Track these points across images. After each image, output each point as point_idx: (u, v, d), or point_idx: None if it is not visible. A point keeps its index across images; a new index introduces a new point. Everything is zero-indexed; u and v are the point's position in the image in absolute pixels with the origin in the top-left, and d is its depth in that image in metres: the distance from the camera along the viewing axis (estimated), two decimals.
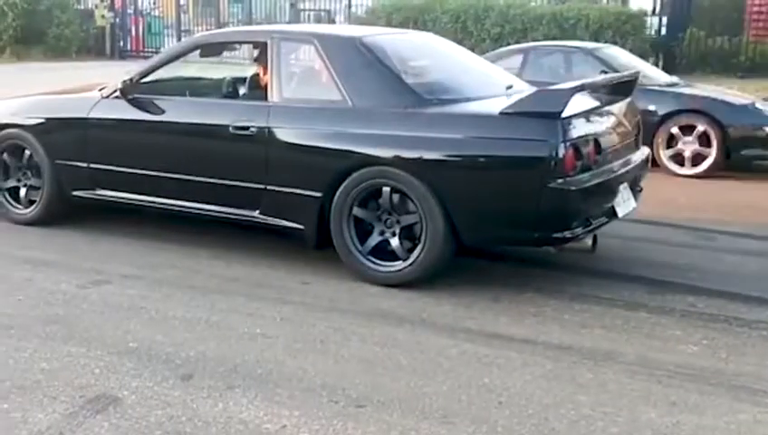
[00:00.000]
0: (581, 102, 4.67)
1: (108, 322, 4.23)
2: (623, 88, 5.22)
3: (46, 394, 3.42)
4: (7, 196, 6.08)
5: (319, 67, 5.04)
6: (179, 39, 21.50)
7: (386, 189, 4.60)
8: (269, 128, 4.89)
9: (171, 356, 3.81)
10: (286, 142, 4.87)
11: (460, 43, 15.58)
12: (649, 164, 5.54)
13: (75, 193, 5.73)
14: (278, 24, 25.75)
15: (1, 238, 5.77)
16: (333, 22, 25.65)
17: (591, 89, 4.92)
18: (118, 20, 23.28)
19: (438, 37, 6.40)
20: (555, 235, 4.43)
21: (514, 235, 4.60)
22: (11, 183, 6.07)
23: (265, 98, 5.05)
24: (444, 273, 4.81)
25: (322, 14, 26.40)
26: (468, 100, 4.81)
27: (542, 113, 4.29)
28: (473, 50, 14.88)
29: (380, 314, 4.38)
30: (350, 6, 21.23)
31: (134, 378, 3.57)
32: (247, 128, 4.94)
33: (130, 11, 23.75)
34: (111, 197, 5.59)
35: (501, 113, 4.46)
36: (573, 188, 4.29)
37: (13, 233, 5.88)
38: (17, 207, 6.05)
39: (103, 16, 22.80)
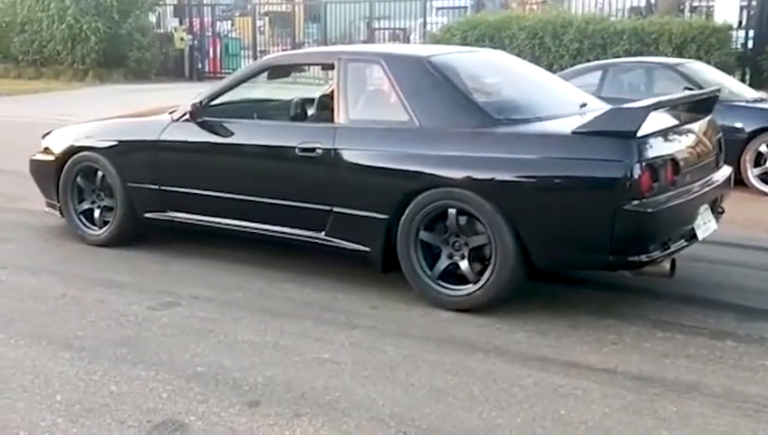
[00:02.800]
0: (659, 121, 4.55)
1: (177, 345, 4.25)
2: (704, 105, 5.07)
3: (114, 418, 3.44)
4: (82, 218, 6.23)
5: (386, 87, 5.02)
6: (256, 59, 21.91)
7: (452, 211, 4.54)
8: (335, 149, 4.89)
9: (238, 381, 3.79)
10: (352, 164, 4.86)
11: (537, 59, 15.50)
12: (732, 184, 5.36)
13: (146, 215, 5.84)
14: (353, 43, 25.98)
15: (75, 260, 5.88)
16: (408, 40, 25.74)
17: (669, 106, 4.80)
18: (196, 42, 23.84)
19: (509, 55, 6.37)
20: (631, 259, 4.29)
21: (588, 258, 4.47)
22: (85, 205, 6.20)
23: (332, 119, 5.05)
24: (517, 298, 4.70)
25: (398, 32, 26.53)
26: (540, 119, 4.71)
27: (617, 132, 4.18)
28: (551, 66, 14.76)
29: (452, 341, 4.29)
30: (425, 25, 21.24)
31: (201, 403, 3.57)
32: (313, 150, 4.96)
33: (208, 33, 24.31)
34: (181, 218, 5.68)
35: (574, 133, 4.36)
36: (650, 210, 4.17)
37: (87, 255, 5.99)
38: (91, 229, 6.18)
39: (182, 39, 23.39)
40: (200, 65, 24.00)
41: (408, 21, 22.70)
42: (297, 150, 5.02)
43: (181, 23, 24.21)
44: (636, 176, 4.10)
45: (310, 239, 5.11)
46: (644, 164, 4.14)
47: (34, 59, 22.92)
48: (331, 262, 5.41)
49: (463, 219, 4.56)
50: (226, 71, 23.25)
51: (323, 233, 5.03)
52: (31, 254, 6.04)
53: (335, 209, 4.94)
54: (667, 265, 4.44)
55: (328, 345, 4.23)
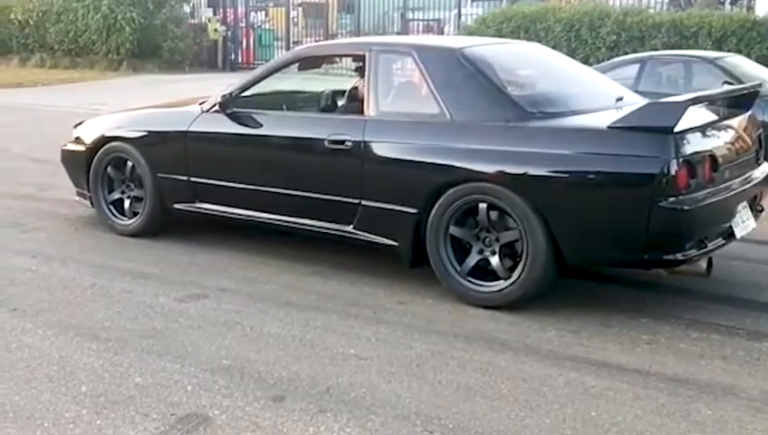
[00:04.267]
0: (697, 116, 4.46)
1: (203, 337, 4.24)
2: (743, 100, 4.97)
3: (138, 411, 3.44)
4: (111, 208, 6.25)
5: (417, 80, 4.96)
6: (288, 49, 21.92)
7: (482, 206, 4.49)
8: (365, 142, 4.85)
9: (264, 375, 3.77)
10: (382, 157, 4.82)
11: (573, 52, 15.33)
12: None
13: (176, 205, 5.86)
14: (387, 34, 25.92)
15: (104, 250, 5.90)
16: (442, 32, 25.61)
17: (708, 101, 4.74)
18: (229, 33, 23.91)
19: (544, 47, 6.31)
20: (666, 257, 4.21)
21: (622, 255, 4.37)
22: (115, 195, 6.25)
23: (362, 111, 5.02)
24: (549, 295, 4.63)
25: (432, 24, 26.40)
26: (574, 113, 4.66)
27: (654, 128, 4.10)
28: (587, 59, 14.58)
29: (481, 338, 4.23)
30: (459, 16, 21.11)
31: (225, 397, 3.55)
32: (343, 142, 4.93)
33: (242, 24, 24.36)
34: (210, 210, 5.69)
35: (609, 127, 4.28)
36: (686, 207, 4.08)
37: (116, 245, 6.01)
38: (121, 219, 6.21)
39: (216, 30, 23.47)
40: (233, 56, 24.06)
41: (443, 12, 22.55)
42: (326, 143, 4.99)
43: (215, 13, 24.29)
44: (673, 172, 4.03)
45: (338, 232, 5.08)
46: (681, 160, 4.06)
47: (70, 49, 23.13)
48: (359, 255, 5.38)
49: (494, 214, 4.49)
50: (259, 62, 23.28)
51: (351, 226, 5.00)
52: (61, 243, 6.08)
53: (364, 203, 4.90)
54: (703, 264, 4.34)
55: (354, 340, 4.19)
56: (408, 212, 4.72)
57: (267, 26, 25.49)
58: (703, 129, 4.44)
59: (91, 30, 22.47)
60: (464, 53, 4.91)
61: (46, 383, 3.69)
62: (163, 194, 5.87)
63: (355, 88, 5.53)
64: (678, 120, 4.06)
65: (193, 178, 5.69)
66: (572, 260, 4.44)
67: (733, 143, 4.66)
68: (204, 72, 21.49)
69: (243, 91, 5.59)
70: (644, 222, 4.09)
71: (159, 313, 4.61)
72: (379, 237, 4.91)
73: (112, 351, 4.06)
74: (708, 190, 4.27)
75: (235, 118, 5.48)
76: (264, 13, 26.35)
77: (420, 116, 4.84)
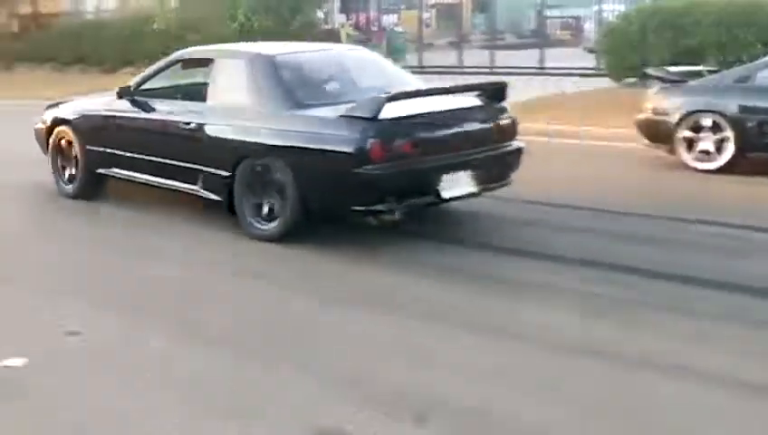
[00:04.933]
0: (409, 107, 5.99)
1: (336, 349, 4.28)
2: (495, 94, 6.64)
3: (271, 423, 3.49)
4: (64, 176, 7.99)
5: (244, 78, 6.60)
6: (421, 52, 22.04)
7: (266, 170, 6.17)
8: (201, 124, 6.62)
9: (399, 390, 3.75)
10: (211, 135, 6.59)
11: (723, 48, 14.64)
12: (518, 158, 6.57)
13: (98, 171, 7.61)
14: (522, 33, 25.62)
15: (241, 254, 6.10)
16: (581, 29, 25.08)
17: (405, 97, 6.07)
18: (362, 37, 24.24)
19: (366, 53, 8.10)
20: (369, 208, 5.89)
21: (341, 206, 6.07)
22: (60, 162, 8.00)
23: (204, 101, 6.73)
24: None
25: (570, 21, 25.92)
26: (333, 105, 6.12)
27: (360, 117, 5.75)
28: (739, 57, 13.86)
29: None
30: (600, 12, 20.58)
31: (362, 413, 3.55)
32: (189, 123, 6.71)
33: (374, 27, 24.66)
34: (119, 174, 7.47)
35: (340, 116, 5.90)
36: (379, 172, 5.69)
37: (255, 248, 6.19)
38: (66, 185, 7.91)
39: (348, 35, 23.84)
40: None
41: (583, 9, 22.07)
42: (181, 124, 6.78)
43: (348, 18, 24.69)
44: (368, 148, 5.65)
45: (192, 191, 6.75)
46: (376, 140, 5.67)
47: None
48: (481, 261, 5.31)
49: (274, 176, 6.11)
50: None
51: (198, 186, 6.69)
52: (199, 247, 6.34)
53: (203, 169, 6.61)
54: (397, 215, 6.00)
55: (503, 358, 4.14)
56: (225, 175, 6.39)
57: (399, 29, 25.69)
58: (408, 118, 5.95)
59: (227, 38, 23.25)
60: (275, 60, 6.63)
61: (177, 391, 3.81)
62: (89, 162, 7.68)
63: (204, 83, 7.00)
64: (379, 112, 5.69)
65: (107, 150, 7.48)
66: (313, 209, 6.07)
67: (452, 128, 6.24)
68: None
69: (140, 85, 7.36)
70: (350, 183, 5.76)
71: (293, 321, 4.70)
72: (212, 194, 6.59)
73: (245, 359, 4.15)
74: (403, 162, 5.82)
75: (133, 103, 7.29)
76: (396, 15, 26.58)
77: (238, 105, 6.53)
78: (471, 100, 6.67)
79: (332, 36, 24.13)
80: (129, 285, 5.46)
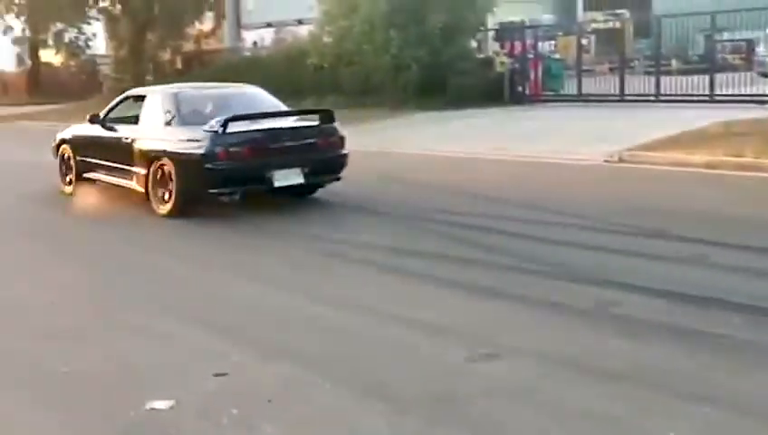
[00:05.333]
0: (255, 125, 9.02)
1: (495, 407, 3.93)
2: (326, 117, 9.57)
3: None
4: (69, 180, 11.35)
5: (156, 107, 9.73)
6: (579, 80, 21.40)
7: (165, 168, 9.04)
8: (134, 138, 9.67)
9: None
10: (138, 146, 9.55)
11: None
12: (343, 161, 9.51)
13: (84, 175, 10.84)
14: (688, 58, 24.49)
15: (390, 297, 5.82)
16: (753, 52, 23.68)
17: (245, 118, 8.95)
18: (517, 65, 23.82)
19: (253, 89, 10.78)
20: (219, 192, 8.78)
21: (202, 190, 8.86)
22: (64, 169, 11.48)
23: (137, 124, 9.90)
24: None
25: (741, 44, 24.54)
26: (203, 124, 8.88)
27: (212, 131, 8.61)
28: None
29: None
30: None
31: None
32: (127, 139, 9.82)
33: (530, 55, 24.19)
34: (93, 177, 10.68)
35: (202, 130, 8.73)
36: (222, 168, 8.57)
37: (407, 291, 5.93)
38: (67, 186, 11.32)
39: (503, 63, 23.48)
40: (521, 88, 23.92)
41: (755, 31, 20.80)
42: (123, 139, 9.92)
43: (502, 46, 24.34)
44: (216, 152, 8.56)
45: (131, 186, 9.64)
46: (221, 146, 8.56)
47: (361, 90, 24.28)
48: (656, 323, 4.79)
49: (166, 172, 9.01)
50: (549, 93, 22.95)
51: (133, 182, 9.57)
52: (335, 286, 6.13)
53: (134, 170, 9.55)
54: (237, 196, 8.88)
55: (673, 421, 3.64)
56: (144, 173, 9.29)
57: (557, 56, 25.09)
58: (248, 132, 8.85)
59: (380, 71, 23.42)
60: (177, 94, 9.83)
61: None
62: (79, 169, 10.94)
63: (139, 112, 10.06)
64: (224, 128, 8.57)
65: (87, 159, 10.72)
66: (186, 194, 8.94)
67: (281, 139, 9.06)
68: (489, 107, 21.42)
69: (106, 114, 10.64)
70: (205, 175, 8.62)
71: (446, 373, 4.37)
72: (139, 187, 9.40)
73: (397, 412, 3.87)
74: (242, 161, 8.66)
75: (101, 127, 10.51)
76: (552, 42, 26.00)
77: (153, 125, 9.59)
78: (310, 120, 9.74)
79: (487, 65, 23.86)
80: (270, 320, 5.28)
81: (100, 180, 10.49)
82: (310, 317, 5.43)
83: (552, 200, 9.10)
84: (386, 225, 8.36)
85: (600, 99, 20.43)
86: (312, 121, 9.54)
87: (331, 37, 25.06)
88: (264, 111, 9.53)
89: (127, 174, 9.69)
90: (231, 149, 8.55)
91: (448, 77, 22.86)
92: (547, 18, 32.38)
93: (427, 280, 6.13)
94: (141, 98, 10.18)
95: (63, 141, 11.37)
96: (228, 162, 8.52)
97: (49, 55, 43.47)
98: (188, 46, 36.15)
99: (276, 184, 8.76)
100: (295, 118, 9.79)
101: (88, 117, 10.63)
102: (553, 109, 20.56)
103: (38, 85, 43.63)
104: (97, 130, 10.49)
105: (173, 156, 8.89)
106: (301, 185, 9.06)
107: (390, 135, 17.17)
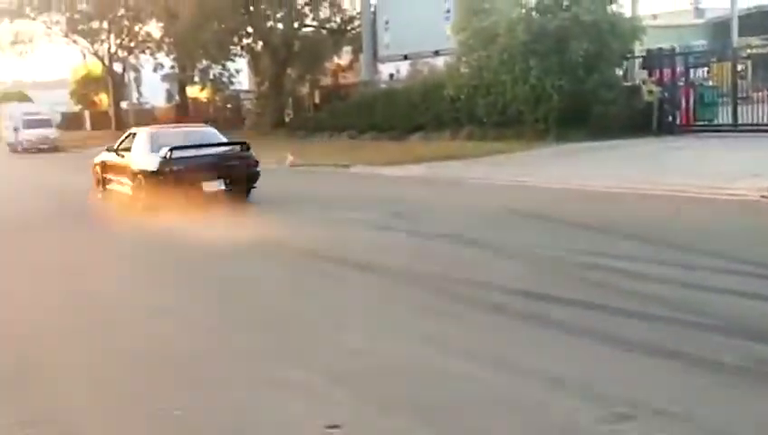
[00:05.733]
0: (193, 151, 13.76)
1: None
2: (242, 146, 14.61)
3: None
4: (101, 193, 17.23)
5: (140, 140, 14.66)
6: (735, 109, 20.24)
7: (141, 180, 14.10)
8: (129, 162, 14.50)
9: None
10: (130, 167, 14.33)
11: None
12: (256, 176, 14.13)
13: (107, 187, 15.69)
14: None
15: (523, 347, 5.36)
16: None
17: (182, 148, 13.55)
18: (666, 94, 22.78)
19: (208, 129, 16.12)
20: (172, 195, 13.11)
21: (159, 194, 13.18)
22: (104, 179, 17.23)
23: (130, 151, 14.75)
24: None
25: None
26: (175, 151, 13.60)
27: (162, 157, 13.32)
28: None
29: None
30: None
31: None
32: (126, 161, 14.59)
33: (681, 83, 23.09)
34: (112, 188, 15.52)
35: (158, 156, 13.46)
36: (169, 177, 13.22)
37: (531, 341, 5.51)
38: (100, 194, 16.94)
39: (651, 91, 22.51)
40: (671, 118, 22.84)
41: None
42: (123, 162, 14.71)
43: (650, 74, 23.36)
44: (164, 169, 13.28)
45: (126, 193, 14.53)
46: (167, 166, 13.27)
47: (497, 121, 23.86)
48: None
49: (141, 183, 13.95)
50: (701, 123, 21.83)
51: (129, 191, 14.29)
52: (466, 333, 5.72)
53: (129, 182, 14.26)
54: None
55: None
56: (132, 185, 14.14)
57: (709, 83, 23.86)
58: (185, 157, 13.41)
59: (518, 100, 22.94)
60: (151, 133, 14.89)
61: None
62: (105, 182, 15.82)
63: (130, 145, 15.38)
64: (168, 154, 13.28)
65: (106, 176, 15.70)
66: (150, 197, 13.43)
67: (211, 160, 13.79)
68: (633, 138, 20.49)
69: (117, 145, 15.29)
70: (158, 184, 13.33)
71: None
72: (130, 193, 14.15)
73: None
74: (181, 175, 13.10)
75: (114, 154, 15.24)
76: (705, 69, 24.76)
77: (138, 152, 14.32)
78: (233, 147, 14.66)
79: (633, 94, 22.95)
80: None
81: (113, 190, 15.45)
82: (433, 366, 5.13)
83: (707, 241, 8.42)
84: (519, 266, 7.93)
85: (758, 129, 19.23)
86: (234, 149, 14.63)
87: (468, 68, 24.84)
88: (206, 143, 14.48)
89: (124, 185, 14.63)
90: (173, 168, 13.28)
91: (591, 107, 22.14)
92: (699, 44, 31.06)
93: (566, 330, 5.67)
94: (132, 134, 15.24)
95: (96, 164, 16.54)
96: (171, 176, 13.23)
97: (196, 91, 45.35)
98: (326, 80, 36.81)
99: (205, 190, 13.23)
100: (224, 147, 14.65)
101: (106, 147, 16.07)
102: (706, 139, 19.49)
103: (185, 120, 45.46)
104: (112, 157, 15.42)
105: (143, 172, 13.80)
106: (225, 190, 13.48)
107: (528, 167, 16.68)
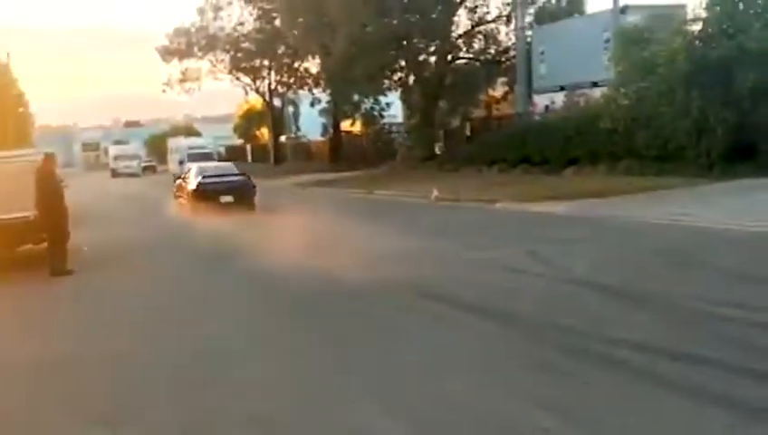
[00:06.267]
0: (215, 178, 24.03)
1: None
2: (244, 174, 25.30)
3: None
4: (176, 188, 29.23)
5: (192, 171, 25.53)
6: None
7: (186, 194, 25.51)
8: (186, 182, 25.68)
9: None
10: (185, 186, 25.72)
11: None
12: (254, 195, 23.65)
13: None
14: None
15: (655, 421, 4.74)
16: None
17: (211, 176, 24.25)
18: None
19: (226, 164, 29.33)
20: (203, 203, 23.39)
21: (196, 202, 24.00)
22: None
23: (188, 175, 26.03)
24: None
25: None
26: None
27: (198, 181, 23.75)
28: None
29: None
30: None
31: None
32: (184, 182, 25.79)
33: None
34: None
35: (196, 180, 24.02)
36: (198, 194, 23.33)
37: (680, 410, 4.84)
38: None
39: None
40: None
41: None
42: (183, 182, 25.98)
43: None
44: (197, 188, 23.41)
45: (182, 202, 25.58)
46: (199, 186, 23.36)
47: (657, 154, 22.75)
48: None
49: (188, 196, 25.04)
50: None
51: (184, 200, 25.51)
52: (588, 399, 5.14)
53: (184, 196, 25.46)
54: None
55: None
56: (186, 197, 24.97)
57: None
58: (211, 182, 23.40)
59: (679, 134, 21.79)
60: (197, 167, 25.40)
61: None
62: (176, 198, 26.78)
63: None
64: (202, 179, 23.60)
65: (177, 192, 27.09)
66: (194, 204, 23.88)
67: (226, 184, 23.60)
68: None
69: (183, 176, 26.70)
70: (195, 196, 23.65)
71: None
72: (185, 202, 25.11)
73: None
74: (207, 192, 22.99)
75: (182, 180, 26.18)
76: None
77: (191, 178, 24.59)
78: (240, 176, 24.30)
79: None
80: None
81: (180, 201, 24.84)
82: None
83: None
84: (657, 318, 7.24)
85: None
86: (240, 176, 24.04)
87: (626, 99, 23.87)
88: (224, 173, 24.27)
89: (184, 198, 23.98)
90: (202, 188, 22.54)
91: (760, 141, 20.67)
92: None
93: (709, 399, 5.02)
94: (190, 168, 25.04)
95: (174, 186, 26.19)
96: (201, 192, 22.43)
97: (349, 124, 46.18)
98: (479, 112, 36.47)
99: (221, 201, 22.06)
100: (234, 176, 23.98)
101: (179, 176, 24.46)
102: None
103: (338, 152, 46.37)
104: (180, 182, 25.15)
105: (188, 190, 23.33)
106: (233, 202, 22.27)
107: (686, 205, 15.62)
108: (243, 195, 23.00)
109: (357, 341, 7.10)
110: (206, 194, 22.60)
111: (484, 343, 6.70)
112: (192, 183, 23.54)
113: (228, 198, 22.57)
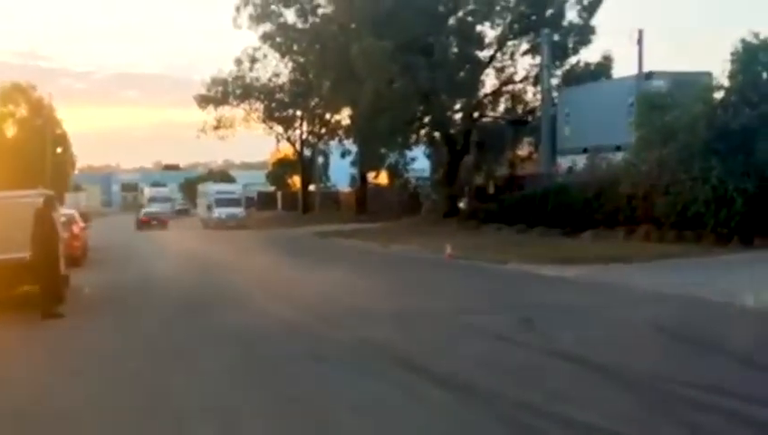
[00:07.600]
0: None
1: None
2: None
3: None
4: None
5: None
6: None
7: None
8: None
9: None
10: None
11: None
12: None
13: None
14: None
15: None
16: None
17: (222, 201, 52.77)
18: None
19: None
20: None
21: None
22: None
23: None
24: None
25: None
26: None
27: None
28: None
29: None
30: None
31: None
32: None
33: None
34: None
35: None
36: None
37: None
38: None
39: None
40: None
41: None
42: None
43: None
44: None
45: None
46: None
47: (676, 222, 22.11)
48: None
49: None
50: None
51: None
52: None
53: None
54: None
55: None
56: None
57: None
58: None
59: (698, 202, 21.16)
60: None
61: None
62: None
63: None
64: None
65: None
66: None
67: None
68: None
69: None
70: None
71: None
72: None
73: None
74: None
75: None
76: None
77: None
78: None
79: None
80: None
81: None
82: None
83: None
84: (624, 398, 6.73)
85: None
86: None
87: (645, 164, 23.33)
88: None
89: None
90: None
91: None
92: None
93: None
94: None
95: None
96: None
97: (375, 176, 46.10)
98: (503, 170, 36.08)
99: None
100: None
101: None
102: None
103: (364, 203, 46.20)
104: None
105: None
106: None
107: (701, 275, 14.90)
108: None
109: (303, 407, 6.72)
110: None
111: (431, 417, 6.35)
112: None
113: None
